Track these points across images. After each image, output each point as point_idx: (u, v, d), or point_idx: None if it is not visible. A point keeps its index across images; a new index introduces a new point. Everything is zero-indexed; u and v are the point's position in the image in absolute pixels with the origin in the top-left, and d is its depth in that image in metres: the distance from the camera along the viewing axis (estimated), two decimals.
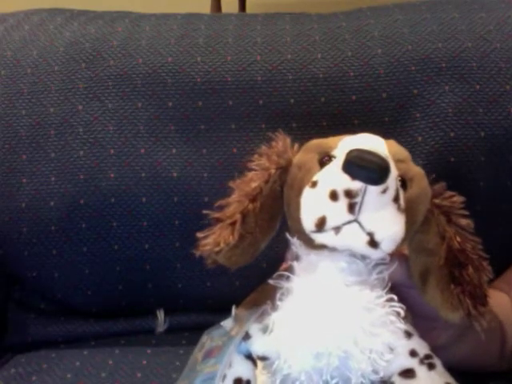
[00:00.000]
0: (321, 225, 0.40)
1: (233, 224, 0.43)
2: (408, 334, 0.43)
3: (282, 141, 0.47)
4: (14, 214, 0.68)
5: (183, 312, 0.70)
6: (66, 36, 0.71)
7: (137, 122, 0.67)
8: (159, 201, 0.66)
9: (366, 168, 0.39)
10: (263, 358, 0.44)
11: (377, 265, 0.43)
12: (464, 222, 0.44)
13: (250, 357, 0.45)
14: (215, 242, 0.43)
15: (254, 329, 0.45)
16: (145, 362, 0.64)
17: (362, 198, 0.39)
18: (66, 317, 0.71)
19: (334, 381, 0.42)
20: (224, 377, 0.44)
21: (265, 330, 0.43)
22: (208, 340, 0.47)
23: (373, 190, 0.39)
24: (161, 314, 0.69)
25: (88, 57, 0.69)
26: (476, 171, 0.65)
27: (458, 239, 0.43)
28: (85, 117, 0.67)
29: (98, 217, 0.67)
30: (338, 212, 0.39)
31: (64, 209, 0.67)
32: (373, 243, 0.40)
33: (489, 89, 0.65)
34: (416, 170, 0.44)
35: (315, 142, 0.47)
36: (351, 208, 0.39)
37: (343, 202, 0.39)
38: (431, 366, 0.43)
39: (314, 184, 0.41)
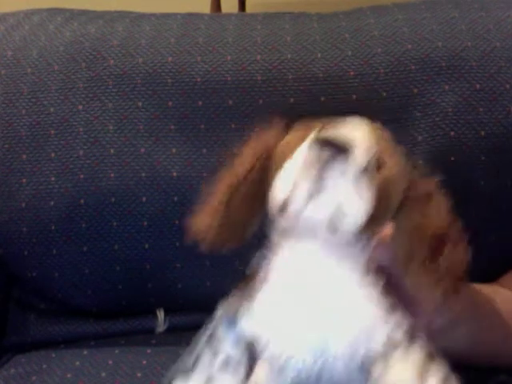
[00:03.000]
0: (289, 197, 0.41)
1: (216, 208, 0.46)
2: (387, 318, 0.44)
3: (274, 127, 0.48)
4: (14, 214, 0.67)
5: (183, 312, 0.70)
6: (66, 36, 0.71)
7: (137, 122, 0.67)
8: (159, 201, 0.66)
9: (330, 143, 0.40)
10: (253, 341, 0.44)
11: (355, 248, 0.44)
12: (441, 202, 0.45)
13: (241, 340, 0.45)
14: (201, 226, 0.46)
15: (242, 310, 0.45)
16: (145, 362, 0.64)
17: (326, 175, 0.40)
18: (65, 317, 0.71)
19: (321, 360, 0.42)
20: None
21: (250, 312, 0.44)
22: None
23: (337, 165, 0.40)
24: (161, 314, 0.69)
25: (88, 56, 0.69)
26: (476, 170, 0.65)
27: (435, 221, 0.44)
28: (85, 117, 0.67)
29: (98, 217, 0.67)
30: (305, 184, 0.41)
31: (64, 209, 0.67)
32: (338, 216, 0.41)
33: (489, 88, 0.65)
34: (392, 154, 0.45)
35: (302, 123, 0.47)
36: (318, 181, 0.40)
37: (310, 174, 0.41)
38: (408, 350, 0.43)
39: (290, 158, 0.43)
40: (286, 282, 0.43)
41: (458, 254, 0.44)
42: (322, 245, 0.43)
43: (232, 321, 0.45)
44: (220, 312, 0.47)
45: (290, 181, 0.41)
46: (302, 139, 0.43)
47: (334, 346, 0.42)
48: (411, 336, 0.44)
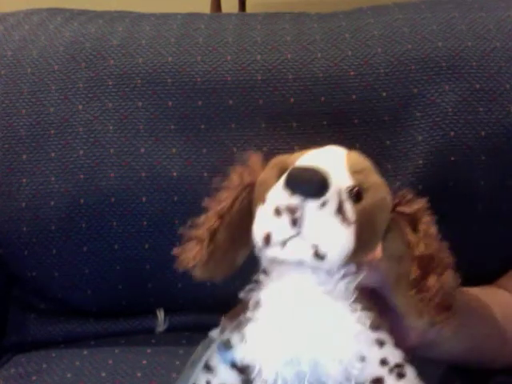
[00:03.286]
0: (267, 240, 0.41)
1: (201, 241, 0.46)
2: (380, 343, 0.44)
3: (253, 159, 0.48)
4: (14, 214, 0.68)
5: (183, 312, 0.70)
6: (66, 36, 0.71)
7: (137, 122, 0.67)
8: (159, 200, 0.66)
9: (302, 183, 0.40)
10: (247, 367, 0.45)
11: (344, 275, 0.44)
12: (428, 228, 0.44)
13: (235, 366, 0.46)
14: (187, 259, 0.46)
15: (235, 338, 0.46)
16: (145, 362, 0.64)
17: (303, 212, 0.40)
18: (65, 317, 0.71)
19: None
20: None
21: (243, 338, 0.44)
22: (198, 350, 0.49)
23: (311, 204, 0.40)
24: (161, 314, 0.69)
25: (88, 56, 0.69)
26: (476, 170, 0.65)
27: (422, 246, 0.43)
28: (85, 116, 0.67)
29: (98, 216, 0.67)
30: (281, 227, 0.41)
31: (64, 209, 0.67)
32: (318, 255, 0.41)
33: (489, 88, 0.65)
34: (373, 181, 0.45)
35: (279, 158, 0.48)
36: (294, 223, 0.40)
37: (286, 217, 0.41)
38: (400, 376, 0.44)
39: (264, 201, 0.43)
40: (278, 307, 0.43)
41: (445, 278, 0.43)
42: (312, 271, 0.43)
43: (225, 348, 0.46)
44: (213, 339, 0.47)
45: (267, 224, 0.41)
46: (277, 177, 0.43)
47: (328, 371, 0.42)
48: (404, 358, 0.44)
